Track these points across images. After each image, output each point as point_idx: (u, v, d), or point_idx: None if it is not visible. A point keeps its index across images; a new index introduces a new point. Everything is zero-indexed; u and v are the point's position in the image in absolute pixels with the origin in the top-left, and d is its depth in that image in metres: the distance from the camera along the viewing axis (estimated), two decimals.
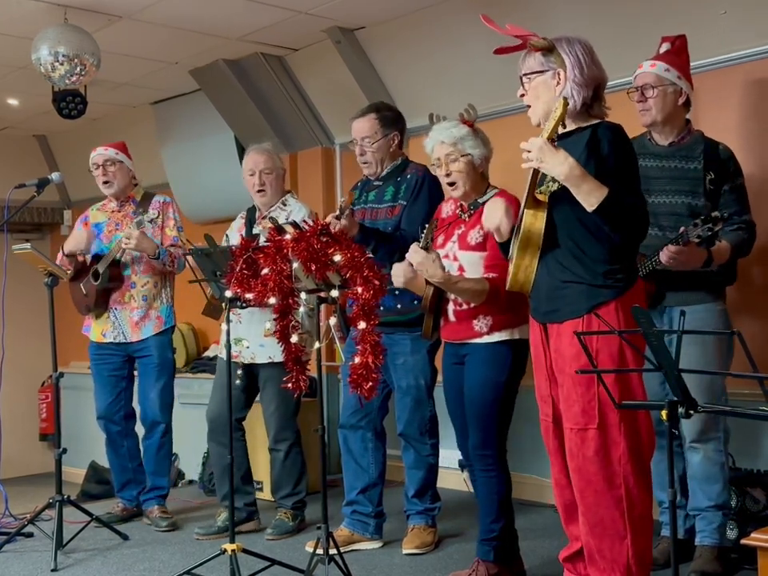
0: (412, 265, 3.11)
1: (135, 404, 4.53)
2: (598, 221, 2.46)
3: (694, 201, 3.20)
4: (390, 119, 3.81)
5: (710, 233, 2.91)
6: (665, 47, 3.34)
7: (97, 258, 4.36)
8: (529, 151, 2.46)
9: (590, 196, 2.43)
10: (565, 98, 2.43)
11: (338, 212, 3.40)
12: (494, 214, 2.79)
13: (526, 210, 2.55)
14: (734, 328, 2.99)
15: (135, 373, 4.53)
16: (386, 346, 3.63)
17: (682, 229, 2.98)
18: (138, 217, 4.22)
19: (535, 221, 2.55)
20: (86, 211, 4.61)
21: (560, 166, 2.42)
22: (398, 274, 3.22)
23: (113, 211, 4.48)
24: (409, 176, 3.75)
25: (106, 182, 4.40)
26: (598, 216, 2.44)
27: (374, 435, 3.86)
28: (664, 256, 3.03)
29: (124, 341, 4.36)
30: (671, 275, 3.08)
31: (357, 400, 3.73)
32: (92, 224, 4.49)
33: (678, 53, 3.31)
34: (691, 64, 3.37)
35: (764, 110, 3.80)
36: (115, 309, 4.36)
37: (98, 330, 4.43)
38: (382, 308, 3.53)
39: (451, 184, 3.24)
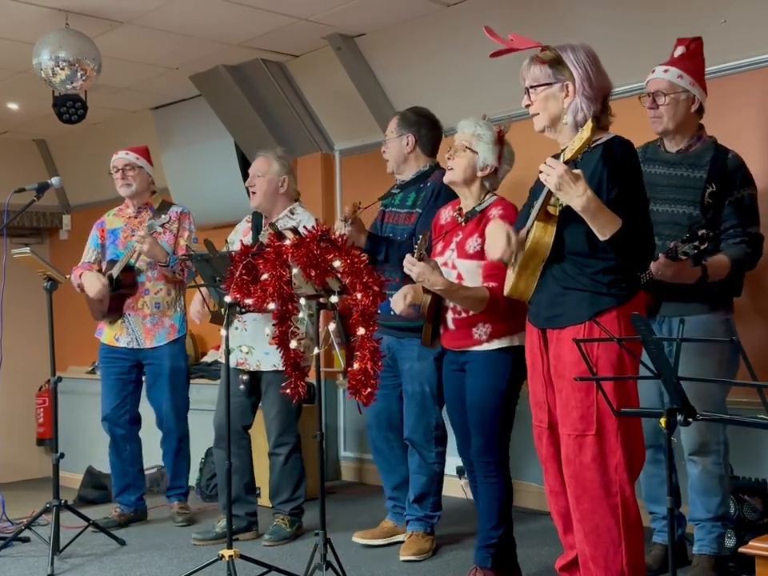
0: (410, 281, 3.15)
1: (141, 409, 4.56)
2: (607, 248, 2.48)
3: (695, 211, 3.13)
4: (408, 121, 3.86)
5: (695, 251, 2.83)
6: (679, 50, 3.21)
7: (112, 263, 4.38)
8: (548, 174, 2.45)
9: (603, 228, 2.45)
10: (593, 120, 2.43)
11: (342, 219, 3.47)
12: (497, 246, 2.73)
13: (536, 223, 2.56)
14: (735, 337, 2.96)
15: (143, 378, 4.56)
16: (394, 350, 3.76)
17: (672, 244, 2.91)
18: (150, 221, 4.25)
19: (544, 234, 2.55)
20: (102, 216, 4.63)
21: (578, 198, 2.43)
22: (397, 301, 3.24)
23: (129, 217, 4.51)
24: (429, 183, 3.78)
25: (124, 185, 4.43)
26: (609, 245, 2.47)
27: (397, 435, 3.90)
28: (653, 267, 2.95)
29: (137, 347, 4.40)
30: (667, 285, 3.03)
31: (379, 400, 3.82)
32: (108, 230, 4.52)
33: (692, 57, 3.19)
34: (706, 69, 3.26)
35: None
36: (129, 315, 4.40)
37: (110, 334, 4.45)
38: (392, 313, 3.57)
39: (448, 169, 3.29)
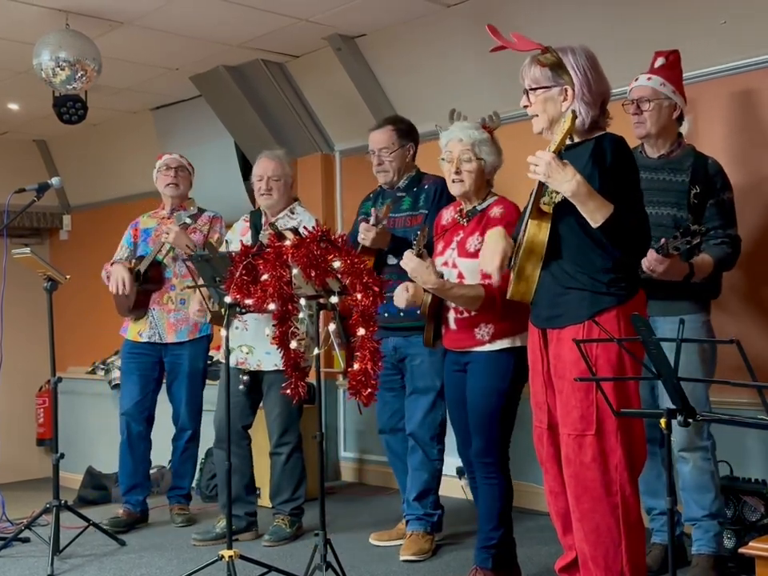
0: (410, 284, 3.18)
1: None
2: (601, 236, 2.48)
3: (679, 213, 3.23)
4: (406, 131, 3.93)
5: (687, 246, 2.92)
6: (659, 62, 3.38)
7: (140, 258, 4.43)
8: (536, 164, 2.47)
9: (595, 213, 2.45)
10: (573, 112, 2.45)
11: (373, 221, 3.59)
12: (492, 260, 2.73)
13: (530, 221, 2.56)
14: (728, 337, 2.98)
15: (164, 378, 4.59)
16: (402, 349, 3.78)
17: (662, 240, 2.99)
18: (177, 213, 4.30)
19: (539, 232, 2.56)
20: (136, 218, 4.67)
21: (567, 183, 2.43)
22: (399, 296, 3.25)
23: (163, 218, 4.55)
24: (427, 186, 3.84)
25: (173, 184, 4.48)
26: (602, 232, 2.47)
27: None
28: (645, 262, 3.01)
29: (159, 341, 4.43)
30: (653, 284, 3.06)
31: (392, 403, 3.86)
32: (141, 229, 4.57)
33: (672, 67, 3.36)
34: (685, 75, 3.41)
35: (750, 122, 3.83)
36: (153, 309, 4.44)
37: (134, 330, 4.49)
38: (402, 314, 3.62)
39: (457, 181, 3.28)
